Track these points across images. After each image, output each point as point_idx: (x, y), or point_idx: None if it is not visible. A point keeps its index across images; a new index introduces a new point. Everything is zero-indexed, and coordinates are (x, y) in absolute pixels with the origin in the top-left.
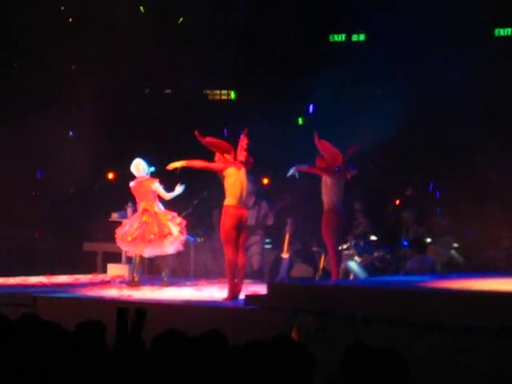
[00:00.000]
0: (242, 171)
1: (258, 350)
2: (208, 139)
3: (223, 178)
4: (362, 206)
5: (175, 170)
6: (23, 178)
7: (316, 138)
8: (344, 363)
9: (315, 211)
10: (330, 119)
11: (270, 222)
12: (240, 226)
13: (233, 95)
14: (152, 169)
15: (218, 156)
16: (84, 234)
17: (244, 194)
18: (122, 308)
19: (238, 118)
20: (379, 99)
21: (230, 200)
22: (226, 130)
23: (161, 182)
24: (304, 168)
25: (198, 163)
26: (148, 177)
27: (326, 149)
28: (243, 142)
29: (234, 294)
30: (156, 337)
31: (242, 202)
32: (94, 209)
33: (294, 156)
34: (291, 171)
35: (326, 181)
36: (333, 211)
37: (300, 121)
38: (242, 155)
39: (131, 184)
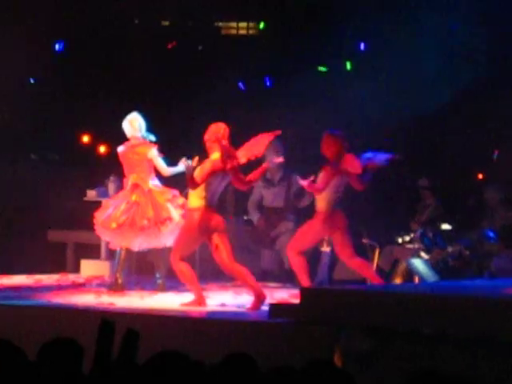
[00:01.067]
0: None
1: (287, 380)
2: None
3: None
4: (428, 183)
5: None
6: None
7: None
8: None
9: (367, 191)
10: (387, 62)
11: (304, 202)
12: (209, 233)
13: (262, 26)
14: (152, 137)
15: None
16: (49, 218)
17: (217, 196)
18: (108, 320)
19: (260, 60)
20: (454, 34)
21: (196, 201)
22: (241, 84)
23: (160, 151)
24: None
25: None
26: (145, 140)
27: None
28: (266, 137)
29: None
30: (150, 360)
31: (213, 204)
32: (62, 184)
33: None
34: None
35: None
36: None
37: (348, 65)
38: (254, 152)
39: (119, 149)
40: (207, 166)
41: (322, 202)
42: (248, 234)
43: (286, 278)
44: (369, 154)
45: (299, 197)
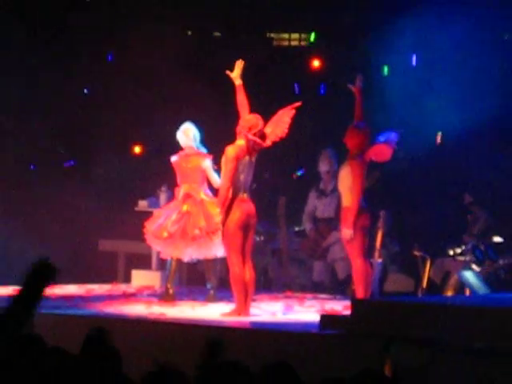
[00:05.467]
0: (254, 156)
1: None
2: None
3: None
4: (472, 198)
5: None
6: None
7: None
8: None
9: (419, 200)
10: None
11: None
12: (248, 226)
13: (312, 38)
14: (203, 149)
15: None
16: (100, 227)
17: (249, 182)
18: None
19: (313, 70)
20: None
21: (234, 190)
22: (296, 86)
23: (214, 162)
24: None
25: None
26: (199, 150)
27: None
28: (287, 114)
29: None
30: (203, 367)
31: (247, 193)
32: (113, 194)
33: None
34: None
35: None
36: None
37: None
38: (277, 133)
39: (173, 158)
40: (231, 152)
41: (350, 198)
42: (300, 245)
43: (338, 289)
44: (382, 138)
45: None
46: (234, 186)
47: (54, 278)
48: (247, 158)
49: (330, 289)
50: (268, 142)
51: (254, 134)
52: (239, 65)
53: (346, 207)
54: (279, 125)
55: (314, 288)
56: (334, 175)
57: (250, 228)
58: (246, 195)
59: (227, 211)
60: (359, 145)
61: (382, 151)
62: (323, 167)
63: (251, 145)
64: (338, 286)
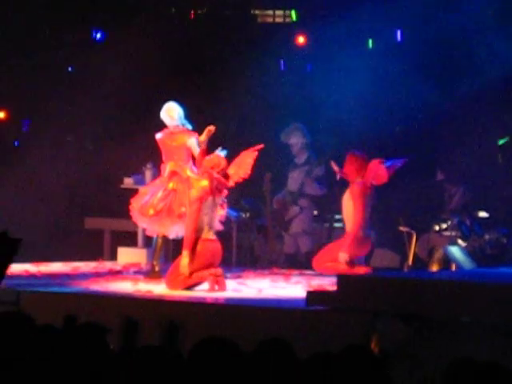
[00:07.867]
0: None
1: (324, 365)
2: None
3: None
4: (444, 175)
5: None
6: None
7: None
8: None
9: (405, 175)
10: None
11: (316, 190)
12: (211, 265)
13: (293, 16)
14: (189, 125)
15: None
16: (85, 205)
17: (214, 222)
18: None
19: (296, 47)
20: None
21: (199, 231)
22: (282, 63)
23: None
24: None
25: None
26: (184, 128)
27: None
28: (249, 156)
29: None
30: (194, 347)
31: (212, 232)
32: (99, 171)
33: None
34: None
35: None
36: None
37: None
38: (240, 174)
39: (158, 136)
40: (194, 194)
41: (352, 223)
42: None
43: (306, 261)
44: (387, 163)
45: (318, 184)
46: (199, 226)
47: (16, 249)
48: (210, 198)
49: (300, 262)
50: (231, 183)
51: (217, 173)
52: (208, 132)
53: (348, 232)
54: (242, 166)
55: (287, 261)
56: (306, 147)
57: (213, 266)
58: (211, 234)
59: (193, 251)
60: (357, 170)
61: (378, 173)
62: (293, 139)
63: (215, 185)
64: (305, 259)
